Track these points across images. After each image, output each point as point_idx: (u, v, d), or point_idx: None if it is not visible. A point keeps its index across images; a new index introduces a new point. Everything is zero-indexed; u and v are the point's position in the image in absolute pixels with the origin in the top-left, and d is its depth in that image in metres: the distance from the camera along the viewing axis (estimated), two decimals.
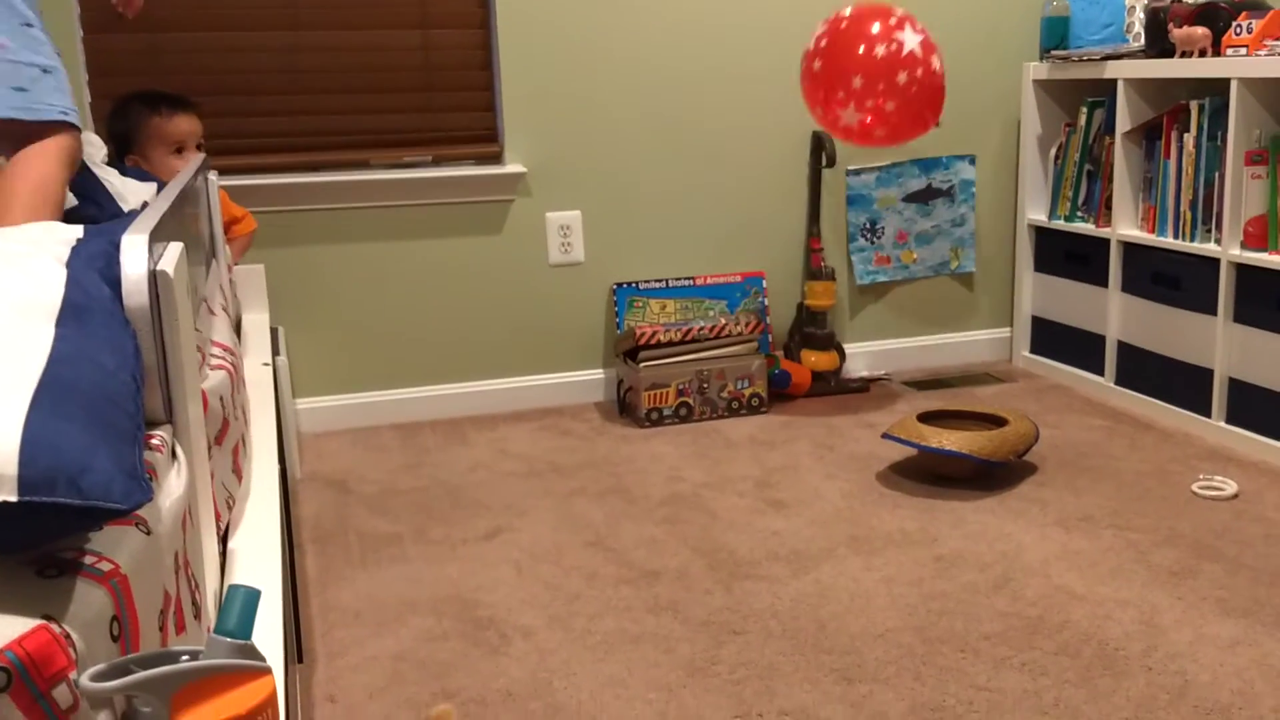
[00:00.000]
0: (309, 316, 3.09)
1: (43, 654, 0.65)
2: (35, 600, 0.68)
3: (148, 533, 0.83)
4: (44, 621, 0.66)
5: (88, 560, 0.74)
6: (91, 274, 1.01)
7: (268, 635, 1.07)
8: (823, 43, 2.88)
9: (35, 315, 0.90)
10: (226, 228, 2.81)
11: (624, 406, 3.35)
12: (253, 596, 0.78)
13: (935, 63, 2.84)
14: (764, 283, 3.56)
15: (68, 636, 0.67)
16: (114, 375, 0.83)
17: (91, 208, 1.70)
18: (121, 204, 1.78)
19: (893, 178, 3.64)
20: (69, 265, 1.04)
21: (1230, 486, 2.60)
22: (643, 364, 3.20)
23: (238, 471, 1.40)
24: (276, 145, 3.11)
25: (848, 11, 2.88)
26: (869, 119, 2.83)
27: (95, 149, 1.98)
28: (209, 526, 1.14)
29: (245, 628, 0.77)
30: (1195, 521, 2.46)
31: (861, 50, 2.80)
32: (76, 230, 1.43)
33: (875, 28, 2.81)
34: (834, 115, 2.89)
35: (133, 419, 0.81)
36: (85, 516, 0.70)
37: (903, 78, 2.77)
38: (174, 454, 1.01)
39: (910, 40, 2.80)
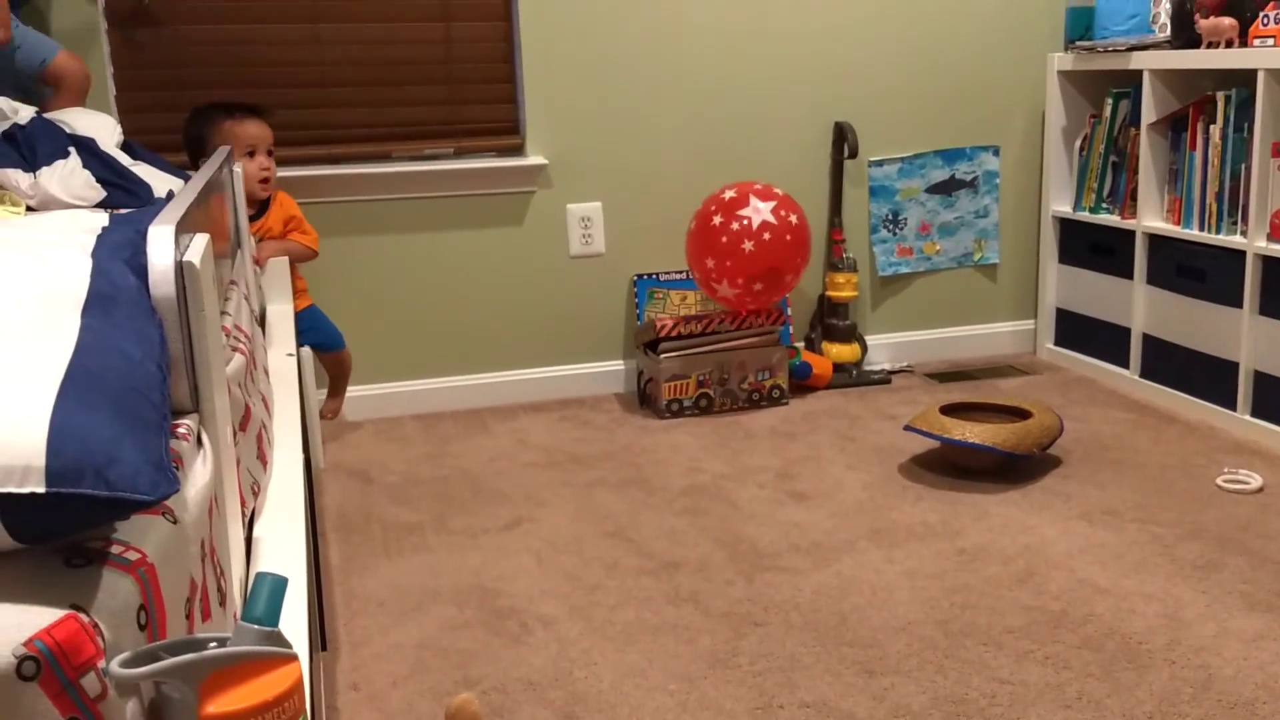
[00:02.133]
0: (331, 308, 3.10)
1: (71, 643, 0.65)
2: (63, 590, 0.69)
3: (174, 521, 0.84)
4: (72, 611, 0.67)
5: (115, 550, 0.74)
6: (118, 263, 1.02)
7: (293, 623, 1.07)
8: (693, 224, 3.22)
9: (61, 305, 0.90)
10: (284, 229, 2.87)
11: (644, 398, 3.35)
12: (280, 585, 0.78)
13: (793, 219, 3.15)
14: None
15: (96, 626, 0.68)
16: (140, 365, 0.84)
17: (119, 195, 1.71)
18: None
19: (916, 169, 3.62)
20: (94, 254, 1.05)
21: (1255, 480, 2.58)
22: (663, 355, 3.20)
23: (263, 458, 1.41)
24: (298, 138, 3.12)
25: (726, 195, 3.20)
26: (738, 292, 3.16)
27: (108, 132, 1.99)
28: (235, 514, 1.15)
29: (273, 615, 0.78)
30: (1220, 515, 2.44)
31: (714, 232, 3.15)
32: (102, 218, 1.44)
33: (720, 216, 3.16)
34: (711, 289, 3.22)
35: (159, 409, 0.82)
36: (112, 507, 0.70)
37: (748, 246, 3.09)
38: (200, 442, 1.02)
39: (761, 212, 3.12)
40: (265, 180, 2.83)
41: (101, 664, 0.67)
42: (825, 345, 3.52)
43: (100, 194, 1.69)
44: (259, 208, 2.86)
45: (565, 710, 1.80)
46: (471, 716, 1.39)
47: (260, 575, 0.78)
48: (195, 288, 1.01)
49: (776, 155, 3.49)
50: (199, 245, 1.06)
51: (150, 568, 0.76)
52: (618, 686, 1.87)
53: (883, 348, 3.67)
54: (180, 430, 0.96)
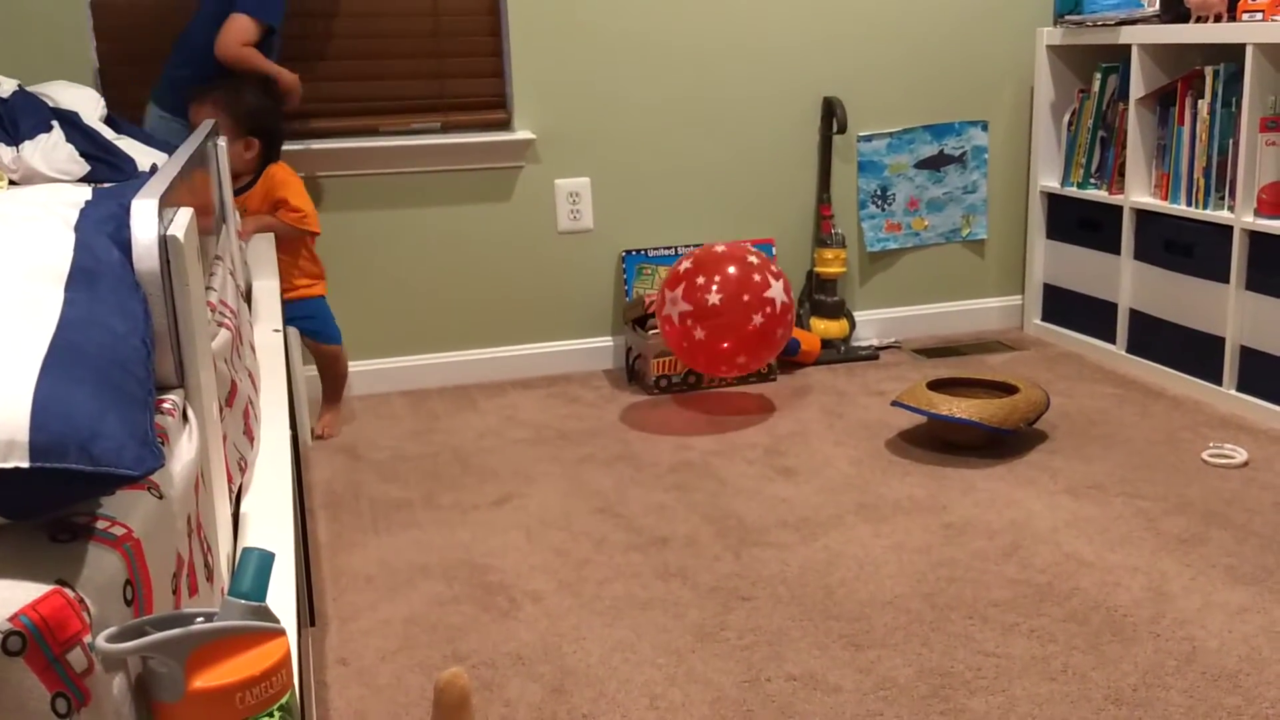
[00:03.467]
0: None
1: (57, 618, 0.65)
2: (49, 565, 0.69)
3: (160, 497, 0.84)
4: (57, 586, 0.67)
5: (100, 525, 0.74)
6: (101, 237, 1.01)
7: (281, 598, 1.07)
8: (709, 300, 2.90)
9: (44, 279, 0.90)
10: (266, 205, 2.84)
11: (633, 374, 3.35)
12: (267, 559, 0.78)
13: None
14: (774, 250, 3.55)
15: (81, 601, 0.68)
16: (124, 340, 0.83)
17: (103, 169, 1.69)
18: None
19: (904, 144, 3.61)
20: (78, 229, 1.04)
21: (1240, 454, 2.60)
22: (652, 331, 3.20)
23: (249, 434, 1.41)
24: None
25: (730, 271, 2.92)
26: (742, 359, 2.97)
27: (91, 105, 1.97)
28: (221, 489, 1.14)
29: (260, 590, 0.78)
30: (1205, 489, 2.46)
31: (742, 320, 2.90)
32: (85, 192, 1.43)
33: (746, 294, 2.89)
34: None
35: (143, 384, 0.81)
36: (97, 482, 0.70)
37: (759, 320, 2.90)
38: (185, 417, 1.02)
39: (776, 292, 2.92)
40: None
41: (88, 639, 0.67)
42: (813, 321, 3.52)
43: (84, 168, 1.67)
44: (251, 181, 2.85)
45: (554, 684, 1.81)
46: (460, 691, 1.39)
47: (247, 550, 0.78)
48: (179, 262, 1.00)
49: (766, 130, 3.48)
50: (183, 219, 1.06)
51: (136, 543, 0.76)
52: (606, 660, 1.87)
53: (871, 323, 3.68)
54: (165, 405, 0.96)
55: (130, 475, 0.70)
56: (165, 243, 0.99)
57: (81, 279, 0.89)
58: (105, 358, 0.78)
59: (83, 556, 0.71)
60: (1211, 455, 2.61)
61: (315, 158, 3.13)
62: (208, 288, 1.37)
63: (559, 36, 3.25)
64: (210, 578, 1.00)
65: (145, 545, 0.77)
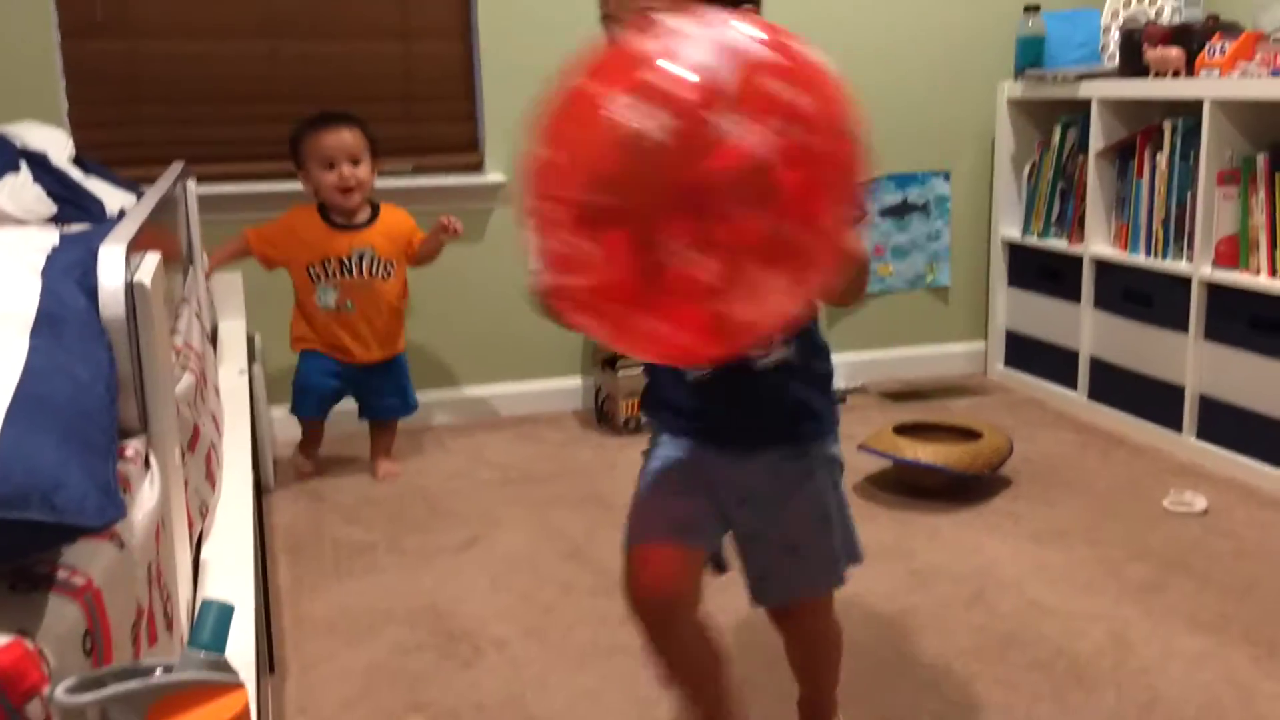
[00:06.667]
0: (288, 324, 3.07)
1: (16, 669, 0.65)
2: (8, 616, 0.68)
3: (121, 546, 0.83)
4: (17, 637, 0.66)
5: (61, 575, 0.74)
6: (68, 284, 1.01)
7: (240, 647, 1.06)
8: None
9: (10, 327, 0.89)
10: (408, 240, 2.90)
11: (602, 415, 3.35)
12: (226, 612, 0.78)
13: None
14: None
15: (41, 652, 0.67)
16: (88, 388, 0.83)
17: (71, 210, 1.69)
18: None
19: (869, 192, 3.66)
20: (44, 275, 1.04)
21: (1200, 502, 2.63)
22: (621, 372, 3.21)
23: (211, 478, 1.40)
24: (255, 153, 3.10)
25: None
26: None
27: (60, 146, 1.97)
28: (182, 536, 1.13)
29: (219, 642, 0.77)
30: (1166, 536, 2.48)
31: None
32: (52, 237, 1.43)
33: None
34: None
35: (106, 432, 0.81)
36: (59, 533, 0.70)
37: None
38: (148, 464, 1.01)
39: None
40: (347, 190, 2.81)
41: (46, 690, 0.67)
42: None
43: (51, 208, 1.67)
44: (370, 215, 2.89)
45: None
46: None
47: (207, 602, 0.77)
48: (145, 308, 1.00)
49: None
50: (149, 265, 1.06)
51: (96, 593, 0.76)
52: (572, 709, 1.86)
53: (838, 366, 3.67)
54: (128, 453, 0.96)
55: (92, 526, 0.70)
56: (132, 289, 0.99)
57: (47, 326, 0.89)
58: (69, 408, 0.78)
59: (43, 607, 0.70)
60: (1172, 503, 2.65)
61: (285, 199, 3.12)
62: (173, 331, 1.36)
63: (531, 81, 3.26)
64: (170, 626, 0.99)
65: (105, 595, 0.77)
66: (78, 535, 0.72)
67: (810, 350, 1.52)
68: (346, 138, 2.79)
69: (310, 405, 2.95)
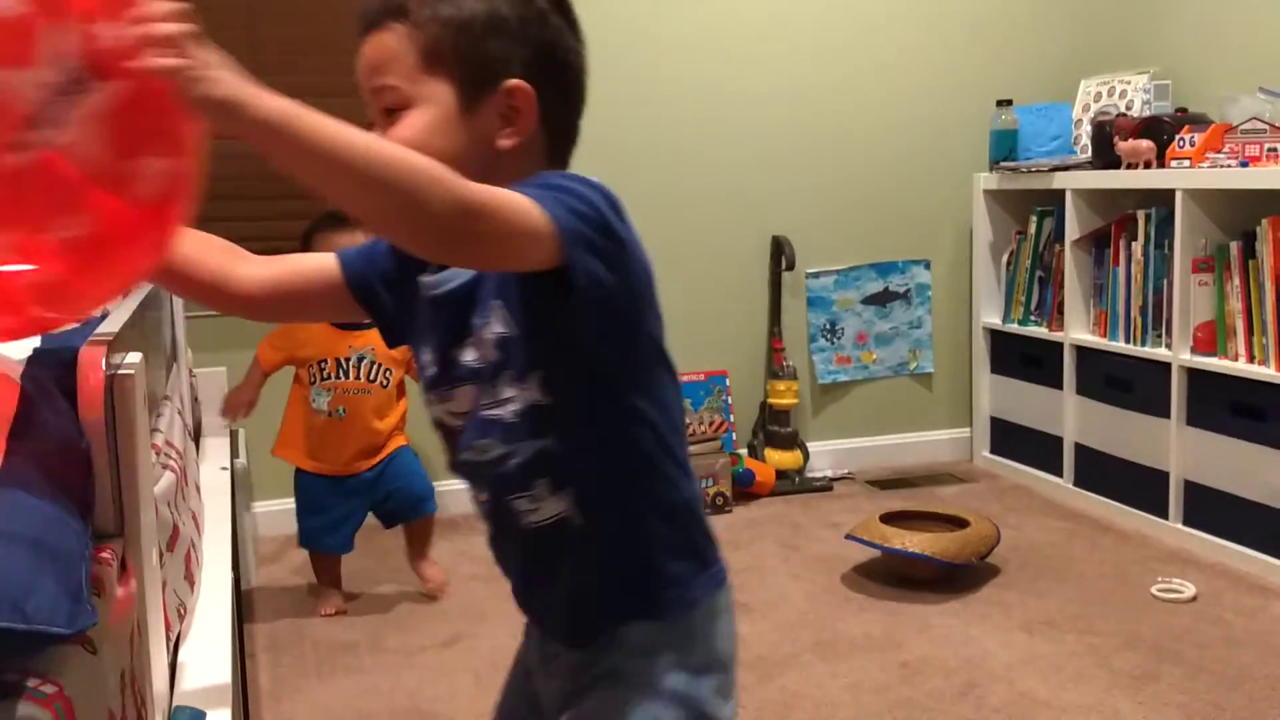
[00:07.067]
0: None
1: None
2: None
3: (93, 652, 0.82)
4: None
5: (31, 683, 0.72)
6: (47, 385, 1.00)
7: None
8: None
9: None
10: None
11: None
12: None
13: None
14: (727, 381, 3.59)
15: None
16: (63, 494, 0.83)
17: None
18: None
19: (851, 281, 3.70)
20: (23, 377, 1.04)
21: (1189, 589, 2.62)
22: None
23: (190, 578, 1.38)
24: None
25: None
26: None
27: None
28: (159, 639, 1.12)
29: None
30: (1155, 624, 2.46)
31: None
32: (33, 339, 1.43)
33: None
34: None
35: (80, 537, 0.80)
36: (30, 640, 0.69)
37: None
38: (124, 567, 1.00)
39: None
40: None
41: None
42: (768, 452, 3.54)
43: None
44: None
45: None
46: None
47: (179, 709, 0.76)
48: (125, 410, 1.00)
49: (718, 267, 3.55)
50: (131, 365, 1.06)
51: (67, 701, 0.74)
52: None
53: (824, 454, 3.70)
54: (104, 555, 0.94)
55: (63, 634, 0.69)
56: (112, 392, 0.99)
57: (24, 428, 0.89)
58: (43, 514, 0.77)
59: (12, 715, 0.69)
60: (1160, 590, 2.63)
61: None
62: (154, 429, 1.36)
63: None
64: None
65: (76, 704, 0.75)
66: (48, 643, 0.71)
67: (616, 498, 0.96)
68: (360, 239, 2.75)
69: (324, 534, 2.74)
